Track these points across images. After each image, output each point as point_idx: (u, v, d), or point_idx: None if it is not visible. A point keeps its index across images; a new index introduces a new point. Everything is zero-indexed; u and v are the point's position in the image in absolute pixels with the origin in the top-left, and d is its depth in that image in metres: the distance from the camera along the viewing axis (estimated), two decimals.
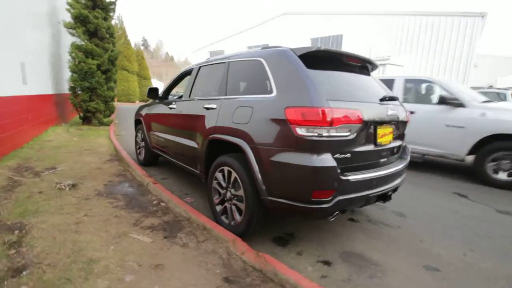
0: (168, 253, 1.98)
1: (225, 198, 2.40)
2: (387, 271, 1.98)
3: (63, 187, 3.15)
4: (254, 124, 2.03)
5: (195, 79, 3.15)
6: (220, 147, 2.52)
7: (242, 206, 2.19)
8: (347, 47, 18.25)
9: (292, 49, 2.12)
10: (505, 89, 13.80)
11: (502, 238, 2.54)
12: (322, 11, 19.16)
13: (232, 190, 2.30)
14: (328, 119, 1.74)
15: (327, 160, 1.77)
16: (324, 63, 2.12)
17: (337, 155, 1.83)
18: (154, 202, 2.92)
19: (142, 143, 4.51)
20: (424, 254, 2.23)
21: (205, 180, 2.78)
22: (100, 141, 6.39)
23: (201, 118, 2.70)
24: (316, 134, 1.76)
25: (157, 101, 4.02)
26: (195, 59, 28.90)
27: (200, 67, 3.15)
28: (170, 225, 2.41)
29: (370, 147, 2.06)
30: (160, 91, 3.95)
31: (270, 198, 1.96)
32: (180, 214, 2.61)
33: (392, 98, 2.36)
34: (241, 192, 2.18)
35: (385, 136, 2.17)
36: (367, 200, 2.03)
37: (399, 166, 2.32)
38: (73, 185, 3.24)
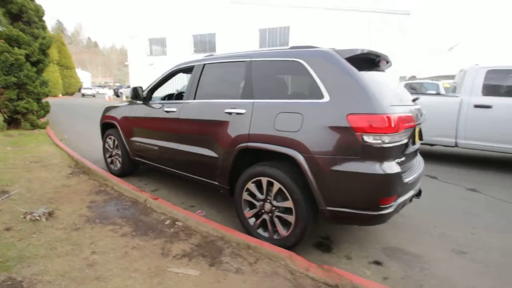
0: (228, 285, 1.74)
1: (263, 211, 2.23)
2: (429, 262, 2.14)
3: (37, 217, 2.47)
4: (308, 132, 1.90)
5: (199, 79, 2.78)
6: (250, 157, 2.31)
7: (290, 218, 2.06)
8: (294, 40, 18.90)
9: (336, 51, 2.03)
10: (432, 79, 16.22)
11: (486, 213, 3.03)
12: (270, 2, 19.25)
13: (274, 202, 2.14)
14: (393, 125, 1.73)
15: (394, 166, 1.78)
16: (363, 65, 2.10)
17: (397, 160, 1.86)
18: (167, 222, 2.54)
19: (116, 151, 3.86)
20: (445, 238, 2.49)
21: (227, 192, 2.53)
22: (44, 149, 5.26)
23: (222, 124, 2.41)
24: (382, 141, 1.74)
25: (139, 102, 3.45)
26: (133, 46, 26.03)
27: (204, 64, 2.79)
28: (205, 248, 2.13)
29: (412, 148, 2.16)
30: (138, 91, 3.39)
31: (329, 208, 1.89)
32: (209, 233, 2.33)
33: (417, 98, 2.51)
34: (288, 204, 2.05)
35: (417, 136, 2.31)
36: (411, 199, 2.14)
37: (421, 162, 2.50)
38: (50, 214, 2.57)
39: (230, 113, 2.37)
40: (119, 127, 3.66)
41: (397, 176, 1.78)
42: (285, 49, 2.31)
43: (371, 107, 1.75)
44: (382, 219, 1.85)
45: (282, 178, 2.03)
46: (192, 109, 2.73)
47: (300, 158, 1.92)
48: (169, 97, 3.84)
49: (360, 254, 2.22)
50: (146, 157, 3.39)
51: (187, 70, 3.08)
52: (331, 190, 1.85)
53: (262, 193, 2.22)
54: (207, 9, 21.72)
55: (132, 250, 2.08)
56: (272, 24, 19.70)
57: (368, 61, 2.20)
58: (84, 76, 50.49)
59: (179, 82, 13.46)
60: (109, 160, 4.08)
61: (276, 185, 2.09)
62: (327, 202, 1.88)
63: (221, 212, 2.95)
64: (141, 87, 3.33)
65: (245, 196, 2.32)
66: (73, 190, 3.29)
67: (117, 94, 31.37)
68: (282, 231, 2.12)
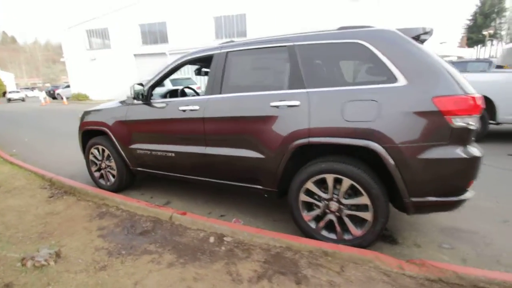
0: None
1: (327, 211, 2.03)
2: (486, 236, 2.21)
3: (43, 262, 1.88)
4: (387, 120, 1.73)
5: (223, 69, 2.39)
6: (304, 153, 2.07)
7: (365, 215, 1.90)
8: (252, 28, 18.50)
9: (401, 30, 1.87)
10: None
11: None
12: None
13: (344, 200, 1.96)
14: (478, 106, 1.66)
15: (478, 148, 1.73)
16: (421, 44, 1.99)
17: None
18: (211, 240, 2.17)
19: (108, 163, 3.24)
20: (482, 210, 2.61)
21: (275, 196, 2.27)
22: None
23: (268, 120, 2.11)
24: (468, 123, 1.66)
25: (137, 102, 2.89)
26: (69, 40, 22.70)
27: (227, 52, 2.40)
28: (277, 264, 1.85)
29: None
30: (136, 89, 2.83)
31: (413, 199, 1.78)
32: (270, 245, 2.05)
33: None
34: (363, 200, 1.88)
35: None
36: None
37: None
38: (57, 254, 1.99)
39: (277, 107, 2.08)
40: (111, 134, 3.04)
41: (481, 158, 1.73)
42: (332, 30, 2.07)
43: (457, 88, 1.65)
44: (462, 203, 1.80)
45: (355, 173, 1.85)
46: (221, 105, 2.34)
47: (380, 149, 1.75)
48: (172, 94, 3.29)
49: (425, 240, 2.19)
50: (156, 167, 2.88)
51: (200, 60, 2.65)
52: (418, 180, 1.73)
53: (326, 192, 2.01)
54: None
55: (195, 282, 1.71)
56: (228, 11, 18.94)
57: (422, 40, 2.09)
58: (7, 78, 42.83)
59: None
60: (96, 174, 3.41)
61: (346, 182, 1.90)
62: (412, 193, 1.76)
63: (257, 217, 2.66)
64: (141, 84, 2.77)
65: (303, 197, 2.09)
66: (66, 218, 2.65)
67: (53, 96, 27.33)
68: (355, 231, 1.96)
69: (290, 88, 2.07)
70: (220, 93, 2.37)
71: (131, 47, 21.50)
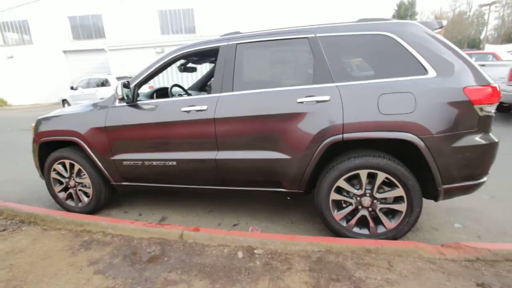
0: None
1: (360, 207, 1.99)
2: (484, 212, 2.47)
3: None
4: (423, 111, 1.75)
5: (234, 64, 2.13)
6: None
7: (400, 207, 1.91)
8: (200, 23, 17.77)
9: (423, 24, 1.91)
10: None
11: None
12: None
13: (378, 195, 1.94)
14: (498, 94, 1.79)
15: (494, 134, 1.87)
16: None
17: None
18: (240, 255, 1.93)
19: (79, 180, 2.68)
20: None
21: (299, 196, 2.15)
22: None
23: (295, 117, 1.95)
24: (490, 111, 1.78)
25: (119, 104, 2.42)
26: None
27: (237, 44, 2.15)
28: (324, 271, 1.72)
29: None
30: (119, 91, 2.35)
31: (445, 186, 1.85)
32: (308, 251, 1.91)
33: None
34: (398, 193, 1.89)
35: None
36: None
37: None
38: None
39: (304, 103, 1.94)
40: (86, 145, 2.49)
41: (498, 143, 1.88)
42: (355, 22, 2.02)
43: (483, 78, 1.75)
44: (481, 186, 1.94)
45: (391, 167, 1.84)
46: (236, 104, 2.09)
47: (418, 141, 1.76)
48: (160, 94, 2.84)
49: (439, 222, 2.33)
50: (151, 179, 2.46)
51: (201, 54, 2.33)
52: (451, 168, 1.80)
53: (359, 188, 1.97)
54: None
55: None
56: (174, 5, 17.81)
57: None
58: None
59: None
60: (62, 195, 2.78)
61: (381, 176, 1.88)
62: (445, 180, 1.83)
63: (274, 222, 2.50)
64: (128, 82, 2.31)
65: (334, 196, 2.01)
66: (39, 255, 2.07)
67: None
68: (389, 223, 1.96)
69: (316, 82, 1.95)
70: (232, 90, 2.12)
71: (60, 43, 18.60)
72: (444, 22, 2.00)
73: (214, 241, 2.08)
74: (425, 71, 1.80)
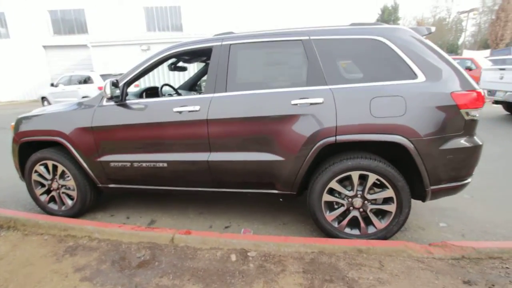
0: None
1: (351, 208, 2.03)
2: (465, 211, 2.58)
3: None
4: (413, 115, 1.80)
5: (228, 65, 2.11)
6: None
7: (389, 207, 1.96)
8: (187, 21, 17.52)
9: (413, 29, 1.97)
10: None
11: None
12: None
13: (369, 196, 1.98)
14: (483, 100, 1.87)
15: (478, 137, 1.95)
16: None
17: None
18: (233, 258, 1.91)
19: (62, 182, 2.57)
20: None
21: (292, 197, 2.16)
22: None
23: (288, 119, 1.96)
24: (475, 115, 1.86)
25: (107, 103, 2.34)
26: None
27: (230, 45, 2.12)
28: (318, 272, 1.74)
29: None
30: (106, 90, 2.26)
31: (432, 187, 1.91)
32: (301, 252, 1.91)
33: None
34: (388, 194, 1.94)
35: None
36: None
37: None
38: None
39: (298, 105, 1.94)
40: (70, 145, 2.38)
41: (482, 146, 1.96)
42: (348, 26, 2.05)
43: (469, 84, 1.83)
44: (465, 187, 2.02)
45: (382, 169, 1.88)
46: (229, 105, 2.07)
47: (407, 143, 1.81)
48: (150, 93, 2.76)
49: (424, 222, 2.41)
50: (140, 181, 2.40)
51: (193, 53, 2.29)
52: (438, 170, 1.86)
53: (350, 189, 2.00)
54: None
55: None
56: (160, 2, 17.45)
57: None
58: None
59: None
60: (44, 197, 2.66)
61: (372, 177, 1.92)
62: (433, 182, 1.89)
63: (266, 223, 2.50)
64: (117, 81, 2.23)
65: (326, 197, 2.03)
66: (20, 262, 1.96)
67: None
68: (379, 224, 2.01)
69: (309, 84, 1.96)
70: (226, 91, 2.09)
71: (39, 37, 17.78)
72: (433, 29, 2.07)
73: (206, 244, 2.05)
74: (414, 76, 1.85)
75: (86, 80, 11.41)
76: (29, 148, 2.59)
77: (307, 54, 1.99)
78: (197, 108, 2.10)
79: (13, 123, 2.64)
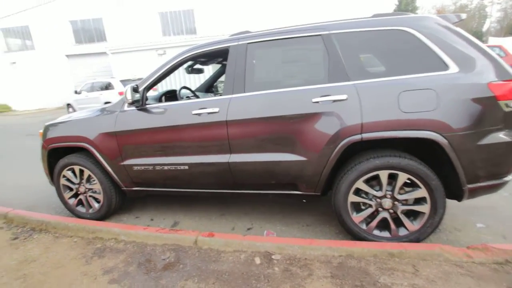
0: None
1: (380, 209, 1.93)
2: (504, 210, 2.40)
3: None
4: (446, 109, 1.68)
5: (245, 64, 2.08)
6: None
7: (422, 208, 1.85)
8: (201, 24, 17.71)
9: (442, 17, 1.84)
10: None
11: None
12: None
13: (399, 196, 1.87)
14: None
15: None
16: None
17: None
18: (257, 261, 1.87)
19: (89, 186, 2.64)
20: None
21: (315, 198, 2.09)
22: None
23: (310, 118, 1.89)
24: None
25: (128, 108, 2.38)
26: None
27: (247, 44, 2.09)
28: (349, 277, 1.66)
29: None
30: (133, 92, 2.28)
31: (469, 186, 1.78)
32: (328, 256, 1.84)
33: None
34: (420, 194, 1.82)
35: None
36: None
37: None
38: None
39: (320, 102, 1.87)
40: (95, 150, 2.45)
41: None
42: (370, 18, 1.95)
43: (507, 73, 1.68)
44: (505, 185, 1.87)
45: (413, 167, 1.77)
46: (248, 105, 2.03)
47: (441, 139, 1.69)
48: (169, 97, 2.80)
49: (460, 223, 2.26)
50: (162, 184, 2.42)
51: (210, 54, 2.28)
52: (475, 167, 1.73)
53: (379, 189, 1.90)
54: None
55: None
56: (174, 7, 17.76)
57: None
58: None
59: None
60: (72, 201, 2.75)
61: (402, 176, 1.81)
62: (469, 180, 1.76)
63: (289, 225, 2.44)
64: (137, 86, 2.26)
65: (353, 198, 1.95)
66: (52, 264, 2.03)
67: None
68: (412, 225, 1.89)
69: (331, 81, 1.89)
70: (244, 91, 2.06)
71: (62, 47, 18.67)
72: (463, 16, 1.92)
73: (229, 247, 2.03)
74: (446, 67, 1.73)
75: (107, 86, 11.83)
76: (57, 153, 2.70)
77: (327, 49, 1.91)
78: (216, 109, 2.08)
79: (41, 130, 2.75)
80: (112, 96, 10.89)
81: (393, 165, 1.80)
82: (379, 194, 1.90)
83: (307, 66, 2.08)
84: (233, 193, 2.29)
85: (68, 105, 13.17)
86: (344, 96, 1.83)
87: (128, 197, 2.76)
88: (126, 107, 2.39)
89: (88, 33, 18.87)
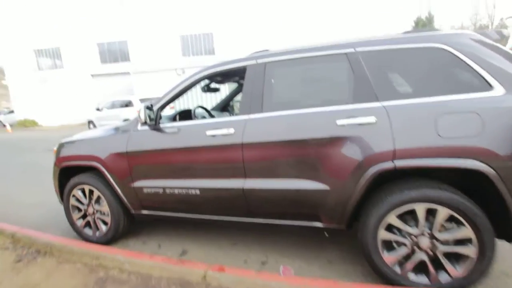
0: None
1: (416, 249, 1.66)
2: None
3: None
4: (493, 134, 1.46)
5: (263, 84, 1.96)
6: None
7: (468, 250, 1.57)
8: (219, 46, 18.34)
9: (481, 33, 1.66)
10: None
11: None
12: (191, 7, 17.99)
13: (439, 235, 1.61)
14: None
15: None
16: None
17: None
18: None
19: (98, 207, 2.54)
20: None
21: (341, 230, 1.86)
22: None
23: (334, 142, 1.72)
24: None
25: (141, 128, 2.30)
26: (13, 61, 20.06)
27: (265, 63, 1.98)
28: None
29: None
30: (141, 113, 2.21)
31: None
32: None
33: None
34: (464, 233, 1.56)
35: None
36: None
37: None
38: None
39: (345, 125, 1.70)
40: (105, 170, 2.37)
41: None
42: (399, 35, 1.80)
43: None
44: None
45: (456, 201, 1.52)
46: (266, 127, 1.89)
47: (487, 169, 1.45)
48: (183, 116, 2.73)
49: (506, 265, 1.93)
50: (172, 208, 2.28)
51: (227, 74, 2.20)
52: None
53: (414, 226, 1.66)
54: (114, 14, 18.73)
55: None
56: (195, 30, 18.61)
57: None
58: None
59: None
60: (80, 222, 2.65)
61: (443, 212, 1.57)
62: None
63: (308, 260, 2.19)
64: (151, 105, 2.19)
65: (383, 234, 1.70)
66: None
67: None
68: (454, 271, 1.61)
69: (357, 102, 1.72)
70: (262, 111, 1.93)
71: (88, 67, 19.82)
72: (506, 32, 1.73)
73: (241, 285, 1.81)
74: (489, 87, 1.52)
75: (127, 104, 12.25)
76: (70, 172, 2.64)
77: (352, 68, 1.76)
78: (231, 131, 1.95)
79: (55, 148, 2.72)
80: (131, 114, 11.21)
81: (432, 198, 1.56)
82: (415, 231, 1.65)
83: (330, 86, 1.93)
84: (247, 222, 2.09)
85: (90, 121, 13.68)
86: (372, 119, 1.65)
87: (136, 220, 2.62)
88: (139, 127, 2.31)
89: (113, 54, 19.99)
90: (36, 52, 20.28)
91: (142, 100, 11.67)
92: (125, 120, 9.54)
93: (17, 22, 19.38)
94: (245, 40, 17.30)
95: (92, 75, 20.04)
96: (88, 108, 17.59)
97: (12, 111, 22.37)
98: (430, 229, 1.62)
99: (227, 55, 14.64)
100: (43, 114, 20.33)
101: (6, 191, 4.57)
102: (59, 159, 2.63)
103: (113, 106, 12.78)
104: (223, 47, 18.11)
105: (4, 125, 19.87)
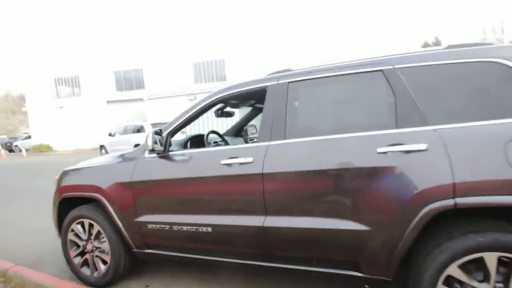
0: None
1: None
2: None
3: None
4: None
5: (286, 106, 1.74)
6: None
7: None
8: (231, 72, 18.78)
9: None
10: None
11: None
12: (204, 35, 18.84)
13: None
14: None
15: None
16: None
17: None
18: None
19: (97, 244, 2.26)
20: None
21: (385, 282, 1.50)
22: None
23: (376, 173, 1.43)
24: None
25: (148, 156, 2.08)
26: (33, 89, 21.12)
27: (289, 83, 1.77)
28: None
29: None
30: (149, 139, 2.00)
31: None
32: None
33: None
34: None
35: None
36: None
37: None
38: None
39: (387, 153, 1.42)
40: (107, 202, 2.12)
41: None
42: (444, 49, 1.58)
43: None
44: None
45: None
46: (290, 155, 1.63)
47: None
48: (195, 142, 2.51)
49: None
50: (179, 248, 1.98)
51: (244, 96, 2.01)
52: None
53: (483, 280, 1.30)
54: (130, 43, 19.75)
55: None
56: (207, 58, 19.27)
57: None
58: None
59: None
60: (77, 260, 2.36)
61: None
62: None
63: None
64: (160, 130, 1.99)
65: None
66: None
67: (10, 149, 24.53)
68: None
69: (402, 126, 1.45)
70: (285, 138, 1.68)
71: (104, 94, 20.59)
72: None
73: None
74: None
75: (139, 129, 12.33)
76: (71, 203, 2.41)
77: (392, 87, 1.52)
78: (249, 159, 1.70)
79: (57, 176, 2.53)
80: (143, 139, 11.22)
81: (507, 245, 1.22)
82: (484, 287, 1.29)
83: (363, 108, 1.68)
84: (267, 266, 1.76)
85: (101, 146, 13.80)
86: (422, 146, 1.36)
87: (139, 260, 2.32)
88: (146, 154, 2.10)
89: (129, 81, 20.78)
90: (56, 80, 21.32)
91: (153, 125, 11.74)
92: (136, 145, 9.51)
93: (39, 52, 20.63)
94: (255, 67, 17.65)
95: (108, 102, 20.70)
96: (102, 133, 17.95)
97: (29, 136, 23.11)
98: (504, 283, 1.26)
99: (238, 80, 14.89)
100: (58, 139, 20.87)
101: (6, 219, 4.37)
102: (60, 189, 2.42)
103: (125, 131, 12.91)
104: (234, 73, 18.51)
105: (20, 150, 20.41)
